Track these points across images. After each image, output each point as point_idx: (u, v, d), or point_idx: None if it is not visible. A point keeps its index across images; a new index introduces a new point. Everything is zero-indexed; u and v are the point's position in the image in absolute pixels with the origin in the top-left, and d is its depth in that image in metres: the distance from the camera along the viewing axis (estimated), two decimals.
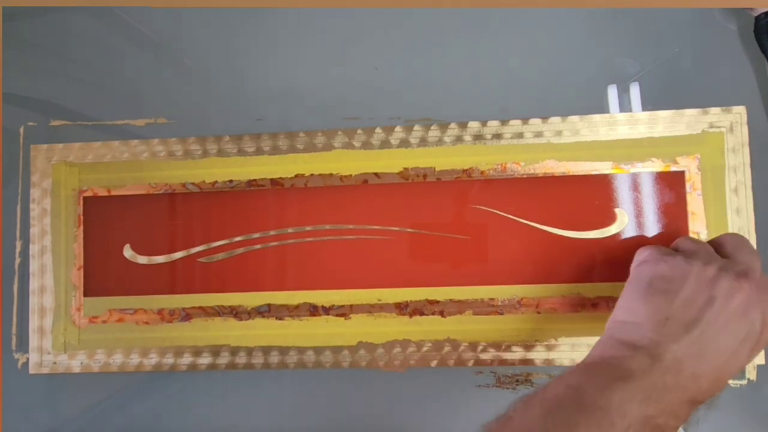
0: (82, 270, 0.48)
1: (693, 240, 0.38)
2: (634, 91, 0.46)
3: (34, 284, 0.48)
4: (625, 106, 0.46)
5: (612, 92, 0.46)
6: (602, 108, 0.46)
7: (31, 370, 0.48)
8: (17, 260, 0.49)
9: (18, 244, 0.49)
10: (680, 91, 0.46)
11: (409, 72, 0.48)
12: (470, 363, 0.45)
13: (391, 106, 0.47)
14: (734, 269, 0.34)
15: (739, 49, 0.46)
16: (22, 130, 0.50)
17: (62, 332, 0.48)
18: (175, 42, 0.51)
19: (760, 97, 0.45)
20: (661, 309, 0.33)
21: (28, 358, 0.48)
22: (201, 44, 0.50)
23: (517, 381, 0.45)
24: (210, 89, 0.50)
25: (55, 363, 0.48)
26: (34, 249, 0.48)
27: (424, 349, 0.45)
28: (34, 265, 0.48)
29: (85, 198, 0.48)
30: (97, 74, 0.51)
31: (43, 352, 0.48)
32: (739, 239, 0.37)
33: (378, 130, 0.47)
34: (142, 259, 0.48)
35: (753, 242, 0.43)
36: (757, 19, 0.44)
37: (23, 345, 0.48)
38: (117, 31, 0.51)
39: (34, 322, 0.48)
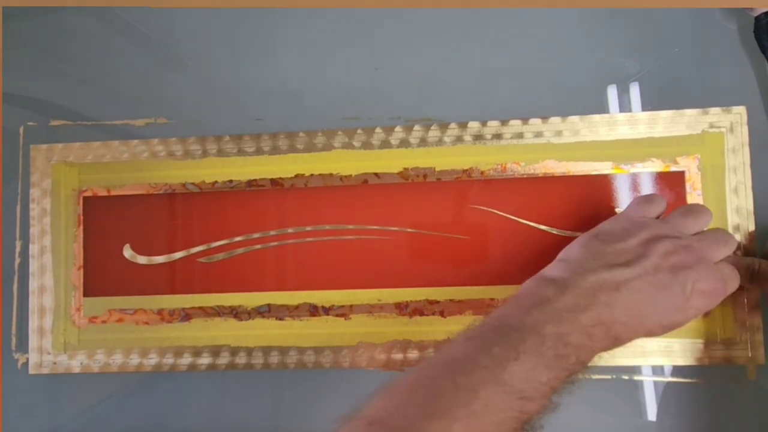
0: (81, 270, 0.48)
1: (677, 217, 0.39)
2: (634, 91, 0.46)
3: (33, 284, 0.48)
4: (625, 106, 0.46)
5: (612, 92, 0.46)
6: (602, 108, 0.46)
7: (31, 371, 0.48)
8: (17, 260, 0.49)
9: (18, 244, 0.49)
10: (680, 92, 0.46)
11: (409, 72, 0.48)
12: None
13: (391, 106, 0.47)
14: (681, 242, 0.35)
15: (739, 49, 0.46)
16: (22, 130, 0.50)
17: (62, 332, 0.48)
18: (175, 42, 0.51)
19: (760, 97, 0.45)
20: (592, 252, 0.36)
21: (27, 358, 0.48)
22: (201, 44, 0.50)
23: None
24: (210, 89, 0.50)
25: (54, 363, 0.48)
26: (33, 249, 0.48)
27: (425, 349, 0.45)
28: (33, 265, 0.48)
29: (84, 198, 0.48)
30: (97, 74, 0.51)
31: (43, 352, 0.48)
32: (715, 232, 0.38)
33: (378, 130, 0.47)
34: (142, 259, 0.48)
35: (753, 242, 0.43)
36: (757, 19, 0.44)
37: (23, 345, 0.48)
38: (117, 31, 0.51)
39: (33, 322, 0.48)
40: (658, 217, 0.39)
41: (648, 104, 0.46)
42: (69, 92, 0.51)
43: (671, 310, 0.34)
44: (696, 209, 0.39)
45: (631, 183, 0.44)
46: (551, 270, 0.36)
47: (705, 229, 0.39)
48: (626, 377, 0.44)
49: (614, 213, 0.44)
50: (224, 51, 0.50)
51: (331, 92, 0.48)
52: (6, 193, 0.50)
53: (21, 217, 0.49)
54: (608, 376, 0.44)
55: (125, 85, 0.50)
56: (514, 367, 0.31)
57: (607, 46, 0.47)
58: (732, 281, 0.36)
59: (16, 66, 0.51)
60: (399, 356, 0.45)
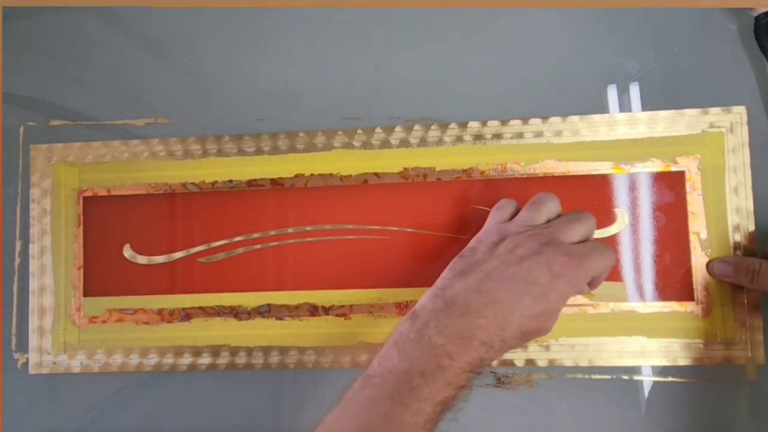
0: (81, 270, 0.48)
1: (524, 212, 0.40)
2: (634, 91, 0.46)
3: (33, 284, 0.48)
4: (625, 106, 0.46)
5: (612, 92, 0.46)
6: (602, 108, 0.46)
7: (31, 371, 0.48)
8: (17, 260, 0.49)
9: (18, 244, 0.49)
10: (680, 91, 0.46)
11: (409, 72, 0.48)
12: None
13: (391, 106, 0.47)
14: (528, 233, 0.37)
15: (739, 49, 0.46)
16: (22, 130, 0.50)
17: (62, 332, 0.48)
18: (175, 42, 0.51)
19: (760, 97, 0.45)
20: (453, 270, 0.37)
21: (27, 358, 0.48)
22: (201, 44, 0.50)
23: (518, 381, 0.45)
24: (210, 89, 0.50)
25: (54, 363, 0.48)
26: (33, 249, 0.48)
27: None
28: (33, 265, 0.48)
29: (85, 198, 0.48)
30: (97, 74, 0.51)
31: (43, 352, 0.48)
32: (567, 214, 0.39)
33: (378, 129, 0.47)
34: (142, 259, 0.48)
35: (753, 242, 0.43)
36: (757, 19, 0.44)
37: (23, 345, 0.48)
38: (117, 31, 0.51)
39: (33, 322, 0.48)
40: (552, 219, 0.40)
41: (648, 104, 0.46)
42: (69, 92, 0.51)
43: (530, 300, 0.34)
44: (541, 199, 0.40)
45: (631, 183, 0.44)
46: (436, 284, 0.37)
47: (557, 215, 0.39)
48: (626, 377, 0.44)
49: (613, 213, 0.44)
50: (224, 51, 0.50)
51: (331, 92, 0.48)
52: (6, 194, 0.50)
53: (21, 217, 0.49)
54: (608, 376, 0.44)
55: (125, 85, 0.50)
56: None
57: (607, 46, 0.47)
58: (594, 254, 0.36)
59: (16, 66, 0.51)
60: None
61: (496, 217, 0.41)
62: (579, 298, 0.44)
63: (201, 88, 0.50)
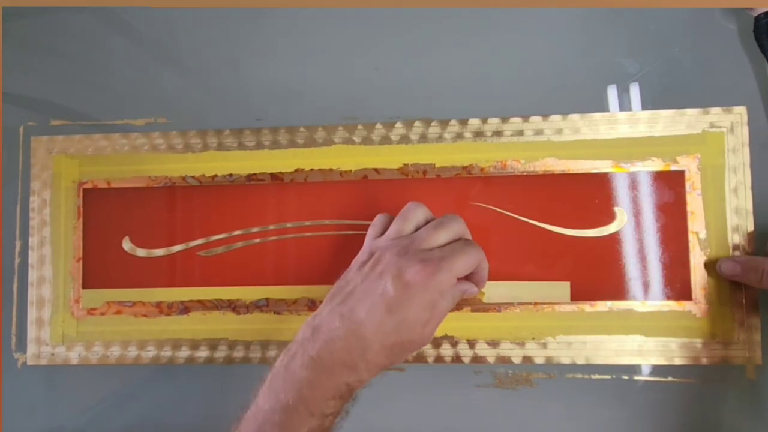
0: (81, 262, 0.48)
1: (392, 225, 0.39)
2: (634, 91, 0.46)
3: (32, 276, 0.48)
4: (625, 106, 0.46)
5: (612, 92, 0.46)
6: (602, 108, 0.46)
7: (29, 362, 0.48)
8: (17, 260, 0.49)
9: (18, 244, 0.49)
10: (680, 91, 0.46)
11: (409, 72, 0.48)
12: (467, 360, 0.45)
13: (390, 106, 0.47)
14: (390, 244, 0.37)
15: (739, 49, 0.46)
16: (22, 130, 0.50)
17: (60, 324, 0.48)
18: (175, 42, 0.51)
19: (760, 97, 0.45)
20: (335, 287, 0.37)
21: (27, 358, 0.48)
22: (201, 44, 0.50)
23: (517, 381, 0.45)
24: (209, 89, 0.50)
25: (52, 354, 0.48)
26: (33, 241, 0.48)
27: None
28: (33, 257, 0.48)
29: (85, 190, 0.48)
30: (97, 74, 0.51)
31: (41, 344, 0.48)
32: (434, 221, 0.39)
33: (378, 125, 0.47)
34: (141, 252, 0.48)
35: (752, 242, 0.43)
36: (757, 19, 0.44)
37: (23, 344, 0.48)
38: (117, 31, 0.51)
39: (32, 314, 0.48)
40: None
41: (648, 104, 0.46)
42: (69, 92, 0.51)
43: (386, 313, 0.34)
44: (408, 209, 0.39)
45: (631, 182, 0.44)
46: (296, 336, 0.37)
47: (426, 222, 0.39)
48: (625, 377, 0.44)
49: (613, 211, 0.44)
50: (224, 51, 0.50)
51: (331, 92, 0.49)
52: (6, 194, 0.50)
53: (21, 218, 0.49)
54: (607, 376, 0.44)
55: (125, 85, 0.50)
56: None
57: (607, 46, 0.47)
58: (453, 255, 0.36)
59: (16, 66, 0.51)
60: None
61: (370, 234, 0.40)
62: (573, 296, 0.44)
63: (201, 88, 0.50)
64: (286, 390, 0.34)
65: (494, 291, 0.45)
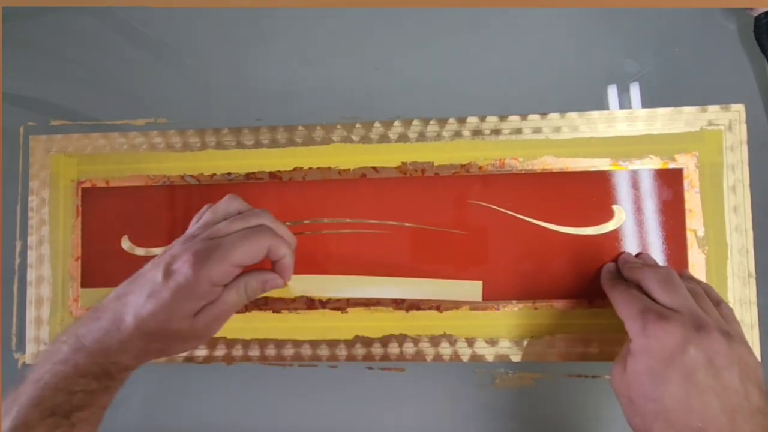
0: (79, 261, 0.48)
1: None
2: (634, 91, 0.46)
3: (31, 275, 0.48)
4: (624, 106, 0.46)
5: (612, 92, 0.46)
6: (602, 108, 0.46)
7: (28, 361, 0.48)
8: (17, 260, 0.49)
9: (18, 245, 0.49)
10: (680, 91, 0.46)
11: (409, 72, 0.48)
12: (466, 358, 0.45)
13: (390, 106, 0.47)
14: (186, 234, 0.38)
15: (739, 49, 0.46)
16: (22, 130, 0.50)
17: (59, 323, 0.48)
18: (175, 42, 0.51)
19: (760, 97, 0.45)
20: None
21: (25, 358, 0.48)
22: (201, 44, 0.50)
23: (517, 381, 0.45)
24: (209, 89, 0.50)
25: None
26: (31, 240, 0.48)
27: (421, 343, 0.45)
28: (31, 256, 0.48)
29: (83, 189, 0.48)
30: (97, 74, 0.51)
31: (40, 343, 0.48)
32: (237, 215, 0.39)
33: (377, 124, 0.47)
34: (140, 251, 0.48)
35: (750, 240, 0.43)
36: (757, 19, 0.44)
37: (23, 345, 0.48)
38: (117, 31, 0.51)
39: (31, 313, 0.48)
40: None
41: (648, 104, 0.46)
42: (69, 92, 0.51)
43: (144, 298, 0.34)
44: (221, 201, 0.40)
45: (629, 180, 0.44)
46: None
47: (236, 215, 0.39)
48: None
49: (611, 209, 0.44)
50: (224, 51, 0.50)
51: (330, 92, 0.49)
52: (6, 194, 0.50)
53: (21, 218, 0.49)
54: (608, 376, 0.44)
55: (125, 85, 0.50)
56: None
57: (607, 46, 0.47)
58: (230, 245, 0.36)
59: (16, 66, 0.51)
60: (395, 350, 0.45)
61: (191, 223, 0.41)
62: (572, 294, 0.44)
63: (201, 88, 0.50)
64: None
65: (393, 289, 0.46)
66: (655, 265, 0.40)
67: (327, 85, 0.49)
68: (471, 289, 0.45)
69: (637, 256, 0.43)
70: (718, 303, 0.38)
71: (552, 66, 0.47)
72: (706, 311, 0.35)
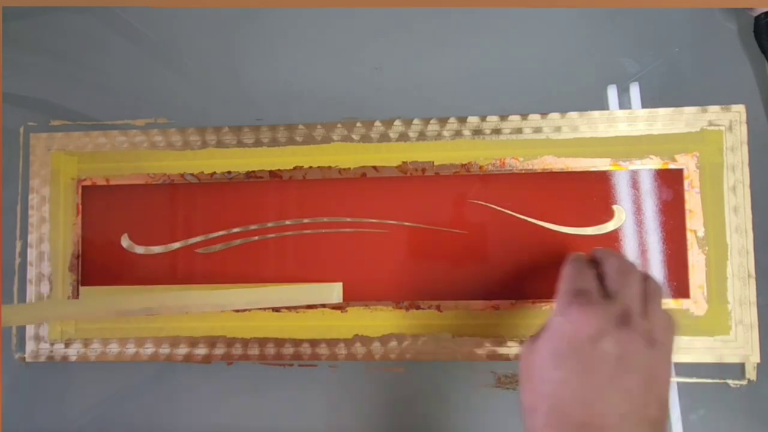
0: (79, 259, 0.48)
1: None
2: (634, 91, 0.46)
3: (31, 273, 0.48)
4: (625, 106, 0.46)
5: (612, 92, 0.46)
6: (602, 108, 0.46)
7: (28, 359, 0.48)
8: (17, 260, 0.49)
9: (18, 244, 0.49)
10: (680, 92, 0.46)
11: (409, 72, 0.48)
12: (466, 358, 0.45)
13: (390, 106, 0.47)
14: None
15: (739, 49, 0.46)
16: (22, 130, 0.50)
17: (59, 321, 0.48)
18: (175, 42, 0.51)
19: (760, 97, 0.45)
20: None
21: (24, 356, 0.48)
22: (201, 44, 0.50)
23: (517, 381, 0.45)
24: (209, 89, 0.50)
25: (51, 352, 0.48)
26: (32, 238, 0.48)
27: (420, 342, 0.45)
28: (32, 254, 0.48)
29: (83, 187, 0.48)
30: (97, 74, 0.51)
31: (40, 341, 0.48)
32: None
33: (377, 123, 0.47)
34: (140, 249, 0.48)
35: (750, 241, 0.43)
36: (757, 19, 0.44)
37: (23, 345, 0.48)
38: (117, 31, 0.51)
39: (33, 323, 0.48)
40: None
41: (648, 104, 0.46)
42: (69, 92, 0.51)
43: None
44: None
45: (630, 180, 0.44)
46: None
47: None
48: None
49: (611, 209, 0.44)
50: (224, 51, 0.50)
51: (331, 92, 0.48)
52: (6, 194, 0.49)
53: (21, 218, 0.49)
54: None
55: (125, 85, 0.50)
56: None
57: (607, 46, 0.47)
58: None
59: (16, 66, 0.51)
60: (395, 349, 0.45)
61: None
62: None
63: (201, 88, 0.50)
64: None
65: (249, 297, 0.45)
66: (622, 256, 0.37)
67: (326, 86, 0.49)
68: (331, 292, 0.45)
69: None
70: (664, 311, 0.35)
71: (551, 65, 0.47)
72: (646, 313, 0.33)
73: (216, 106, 0.49)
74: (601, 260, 0.36)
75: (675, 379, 0.44)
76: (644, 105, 0.46)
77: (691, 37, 0.46)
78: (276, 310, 0.46)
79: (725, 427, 0.44)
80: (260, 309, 0.47)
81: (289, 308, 0.46)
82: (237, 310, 0.47)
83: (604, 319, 0.31)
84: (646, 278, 0.35)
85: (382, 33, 0.49)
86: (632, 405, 0.30)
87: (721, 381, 0.44)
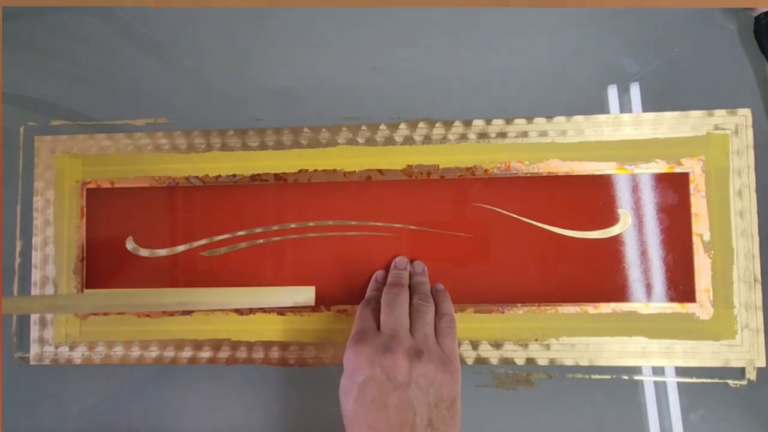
0: (84, 262, 0.48)
1: None
2: (634, 91, 0.46)
3: (36, 276, 0.48)
4: (625, 106, 0.46)
5: (612, 92, 0.46)
6: (602, 108, 0.46)
7: (32, 361, 0.48)
8: (17, 260, 0.49)
9: (18, 244, 0.49)
10: (680, 91, 0.46)
11: (409, 73, 0.48)
12: (471, 361, 0.45)
13: (390, 106, 0.47)
14: None
15: (739, 49, 0.46)
16: (22, 130, 0.50)
17: (63, 324, 0.48)
18: (175, 42, 0.51)
19: (760, 97, 0.45)
20: None
21: (28, 358, 0.48)
22: (201, 44, 0.50)
23: (517, 381, 0.45)
24: (210, 89, 0.50)
25: (55, 355, 0.48)
26: (36, 240, 0.48)
27: None
28: (36, 257, 0.48)
29: (88, 190, 0.48)
30: (97, 74, 0.51)
31: (44, 344, 0.48)
32: None
33: (382, 126, 0.47)
34: (144, 252, 0.48)
35: (756, 245, 0.43)
36: (757, 19, 0.44)
37: (23, 345, 0.48)
38: (117, 31, 0.51)
39: (35, 314, 0.48)
40: None
41: (648, 104, 0.46)
42: (69, 92, 0.51)
43: None
44: None
45: (635, 183, 0.44)
46: None
47: None
48: (626, 377, 0.44)
49: (617, 213, 0.44)
50: (224, 51, 0.50)
51: (331, 93, 0.48)
52: (6, 194, 0.49)
53: (21, 218, 0.49)
54: (608, 376, 0.44)
55: (125, 85, 0.50)
56: None
57: (607, 46, 0.47)
58: None
59: (16, 66, 0.51)
60: None
61: None
62: (577, 298, 0.44)
63: (201, 88, 0.50)
64: None
65: (219, 298, 0.46)
66: (394, 284, 0.42)
67: (326, 86, 0.49)
68: (303, 295, 0.45)
69: (412, 262, 0.45)
70: (441, 317, 0.41)
71: (551, 65, 0.47)
72: (415, 330, 0.39)
73: (215, 105, 0.49)
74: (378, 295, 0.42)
75: (675, 379, 0.44)
76: (644, 105, 0.46)
77: (691, 37, 0.46)
78: (280, 313, 0.46)
79: (725, 427, 0.44)
80: (265, 313, 0.46)
81: (293, 312, 0.46)
82: (240, 313, 0.47)
83: (372, 350, 0.37)
84: (419, 293, 0.42)
85: (382, 33, 0.49)
86: (410, 415, 0.35)
87: (721, 381, 0.44)
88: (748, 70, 0.45)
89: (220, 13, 0.50)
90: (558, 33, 0.47)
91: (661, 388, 0.45)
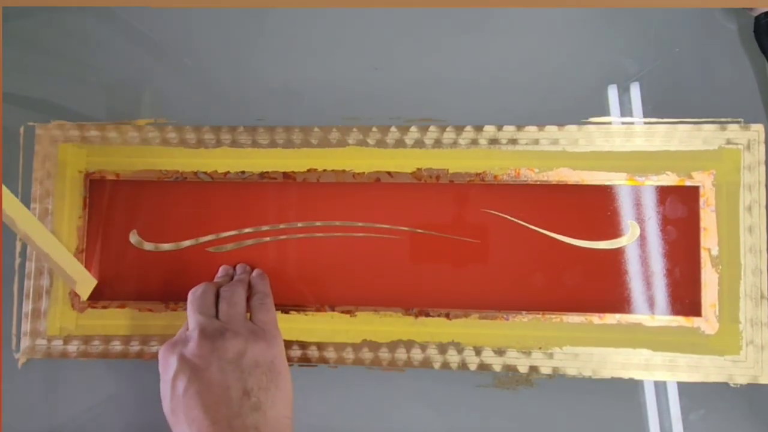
0: (83, 253, 0.47)
1: None
2: (634, 91, 0.46)
3: (30, 266, 0.47)
4: (625, 106, 0.46)
5: (612, 92, 0.46)
6: (602, 109, 0.46)
7: (23, 356, 0.47)
8: (17, 260, 0.48)
9: (18, 244, 0.48)
10: (680, 92, 0.46)
11: (409, 73, 0.48)
12: (474, 367, 0.45)
13: (390, 106, 0.47)
14: None
15: (739, 49, 0.46)
16: (22, 130, 0.49)
17: (58, 316, 0.47)
18: (175, 42, 0.50)
19: (760, 97, 0.45)
20: None
21: (28, 358, 0.47)
22: (201, 44, 0.50)
23: (517, 381, 0.45)
24: (210, 89, 0.49)
25: (48, 348, 0.47)
26: None
27: (428, 350, 0.45)
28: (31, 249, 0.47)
29: (92, 181, 0.48)
30: (97, 74, 0.50)
31: (37, 336, 0.47)
32: None
33: (393, 129, 0.46)
34: (149, 246, 0.47)
35: (764, 261, 0.43)
36: (757, 19, 0.44)
37: (21, 345, 0.48)
38: (117, 31, 0.50)
39: (28, 306, 0.47)
40: None
41: (648, 104, 0.46)
42: (69, 92, 0.50)
43: None
44: None
45: (645, 195, 0.44)
46: None
47: None
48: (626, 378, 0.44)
49: (625, 224, 0.44)
50: (224, 51, 0.50)
51: (331, 93, 0.48)
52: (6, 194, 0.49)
53: None
54: (609, 377, 0.44)
55: (125, 85, 0.50)
56: None
57: (607, 46, 0.47)
58: None
59: (16, 66, 0.50)
60: (403, 356, 0.45)
61: None
62: (582, 308, 0.44)
63: (201, 89, 0.50)
64: None
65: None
66: (197, 288, 0.42)
67: (326, 86, 0.48)
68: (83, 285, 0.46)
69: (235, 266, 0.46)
70: (253, 296, 0.43)
71: (550, 65, 0.47)
72: (221, 314, 0.40)
73: (216, 105, 0.49)
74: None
75: (675, 379, 0.44)
76: (644, 105, 0.46)
77: (691, 37, 0.47)
78: (285, 311, 0.46)
79: (725, 427, 0.44)
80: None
81: (297, 310, 0.46)
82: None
83: (171, 346, 0.38)
84: (235, 283, 0.43)
85: (382, 33, 0.49)
86: (221, 392, 0.36)
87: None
88: (748, 70, 0.46)
89: (219, 13, 0.50)
90: (557, 33, 0.48)
91: (661, 388, 0.45)
